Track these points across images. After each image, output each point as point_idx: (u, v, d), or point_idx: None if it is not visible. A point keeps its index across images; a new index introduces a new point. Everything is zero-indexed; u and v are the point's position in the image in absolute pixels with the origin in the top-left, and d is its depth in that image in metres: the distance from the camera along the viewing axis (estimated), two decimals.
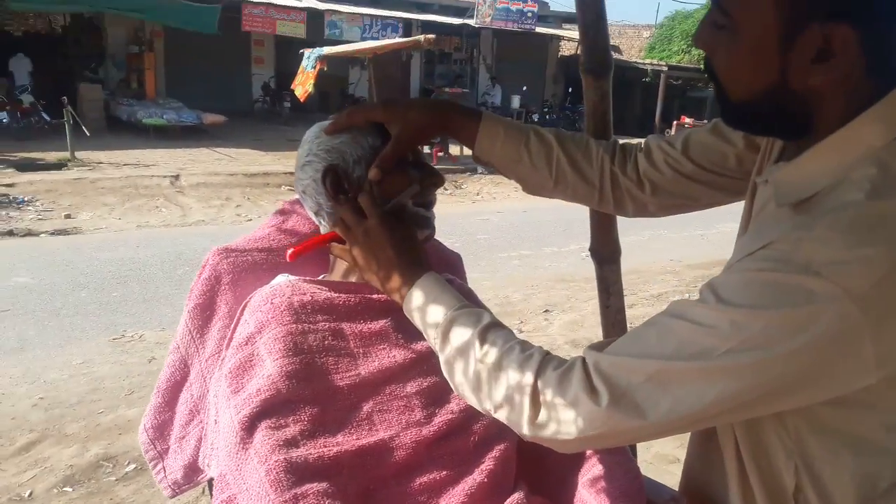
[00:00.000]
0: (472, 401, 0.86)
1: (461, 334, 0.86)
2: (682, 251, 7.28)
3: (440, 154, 12.15)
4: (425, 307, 0.91)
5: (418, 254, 0.99)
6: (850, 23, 0.69)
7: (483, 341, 0.84)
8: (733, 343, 0.68)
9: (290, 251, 1.04)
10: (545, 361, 0.80)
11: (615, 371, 0.74)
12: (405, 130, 1.04)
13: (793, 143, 0.82)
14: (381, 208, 1.01)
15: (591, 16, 1.29)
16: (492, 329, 0.86)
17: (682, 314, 0.74)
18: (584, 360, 0.78)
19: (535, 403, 0.78)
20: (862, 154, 0.72)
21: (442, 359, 0.89)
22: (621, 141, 1.16)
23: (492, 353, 0.83)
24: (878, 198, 0.68)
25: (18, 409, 3.34)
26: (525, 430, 0.80)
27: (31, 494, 2.69)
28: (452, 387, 0.89)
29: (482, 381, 0.83)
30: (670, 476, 2.53)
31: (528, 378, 0.79)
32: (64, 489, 2.73)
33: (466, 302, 0.91)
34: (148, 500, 2.62)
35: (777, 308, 0.67)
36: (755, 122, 0.82)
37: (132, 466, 2.84)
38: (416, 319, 0.93)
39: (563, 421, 0.77)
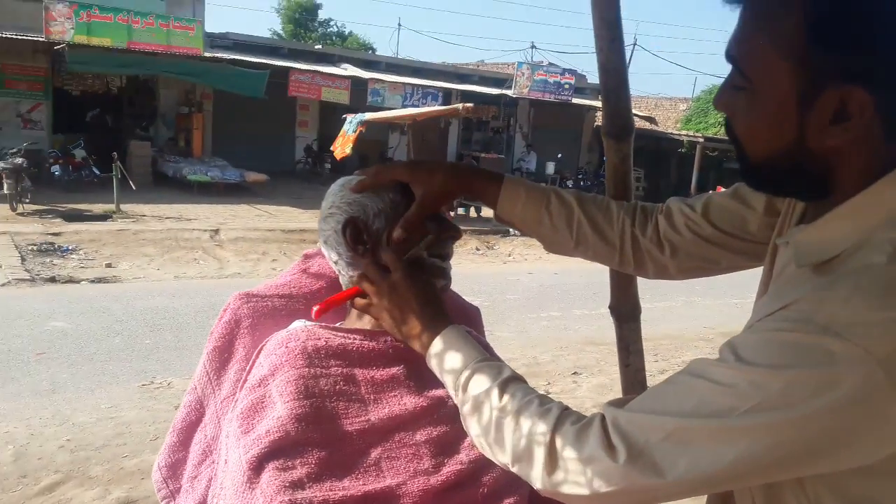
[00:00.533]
0: (489, 453, 0.86)
1: (481, 386, 0.87)
2: (717, 319, 7.14)
3: (473, 216, 12.27)
4: (448, 359, 0.93)
5: (441, 306, 1.01)
6: (866, 87, 0.70)
7: (502, 393, 0.85)
8: (752, 403, 0.67)
9: (315, 309, 1.05)
10: (563, 416, 0.80)
11: (633, 428, 0.73)
12: (429, 193, 1.07)
13: (812, 206, 0.83)
14: (404, 263, 1.03)
15: (613, 82, 1.32)
16: (511, 382, 0.87)
17: (702, 373, 0.73)
18: (602, 416, 0.77)
19: (552, 457, 0.78)
20: (884, 217, 0.72)
21: (462, 410, 0.89)
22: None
23: (510, 406, 0.83)
24: None
25: (46, 449, 3.39)
26: (540, 483, 0.79)
27: None
28: (471, 438, 0.89)
29: (500, 433, 0.83)
30: None
31: (546, 432, 0.78)
32: None
33: (488, 355, 0.92)
34: None
35: (797, 368, 0.66)
36: (775, 183, 0.83)
37: None
38: (438, 370, 0.94)
39: (578, 476, 0.76)
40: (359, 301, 1.07)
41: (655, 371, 4.90)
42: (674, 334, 6.28)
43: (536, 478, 0.79)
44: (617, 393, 4.49)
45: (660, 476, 0.71)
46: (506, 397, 0.84)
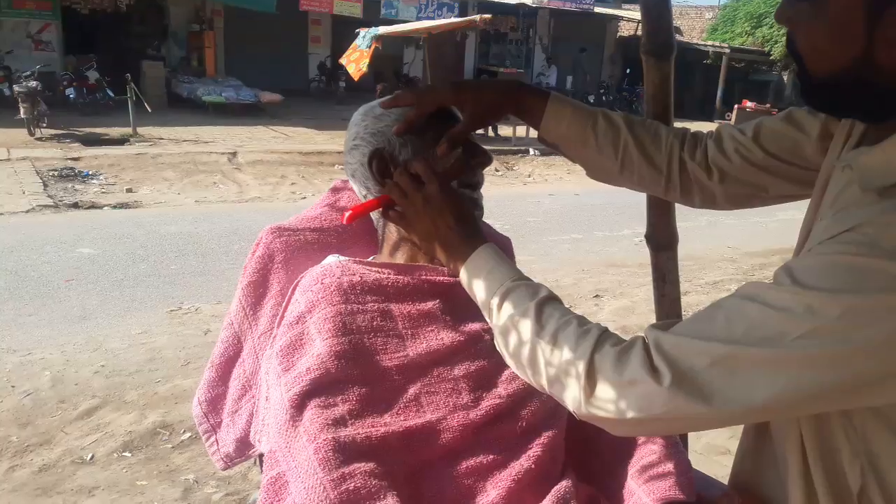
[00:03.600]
0: (526, 374, 0.84)
1: (517, 305, 0.85)
2: (741, 238, 7.08)
3: (491, 135, 12.08)
4: (483, 277, 0.90)
5: (476, 224, 0.99)
6: None
7: (539, 314, 0.82)
8: (806, 328, 0.65)
9: (347, 213, 1.04)
10: (603, 337, 0.78)
11: (678, 352, 0.71)
12: (478, 109, 1.04)
13: (873, 128, 0.79)
14: (441, 176, 1.00)
15: None
16: (549, 302, 0.84)
17: (754, 296, 0.70)
18: (644, 338, 0.75)
19: (591, 380, 0.76)
20: None
21: (496, 329, 0.87)
22: (683, 125, 1.12)
23: (548, 326, 0.81)
24: None
25: (81, 375, 3.49)
26: (579, 406, 0.77)
27: (92, 458, 2.81)
28: (505, 358, 0.87)
29: (536, 354, 0.81)
30: (720, 468, 2.48)
31: (585, 353, 0.76)
32: (123, 454, 2.84)
33: (524, 274, 0.90)
34: (202, 468, 2.71)
35: (858, 293, 0.64)
36: (838, 102, 0.79)
37: (187, 435, 2.94)
38: (471, 288, 0.92)
39: (619, 399, 0.73)
40: (393, 213, 1.04)
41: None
42: (697, 255, 6.24)
43: (573, 400, 0.78)
44: (639, 315, 4.51)
45: (706, 402, 0.69)
46: (543, 318, 0.82)
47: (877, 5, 0.69)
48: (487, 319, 0.90)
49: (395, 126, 1.07)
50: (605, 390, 0.75)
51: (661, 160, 1.07)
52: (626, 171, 1.07)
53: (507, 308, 0.85)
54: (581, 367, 0.76)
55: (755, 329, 0.68)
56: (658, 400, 0.71)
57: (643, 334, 0.76)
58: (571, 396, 0.78)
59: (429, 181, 0.98)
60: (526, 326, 0.82)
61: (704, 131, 1.09)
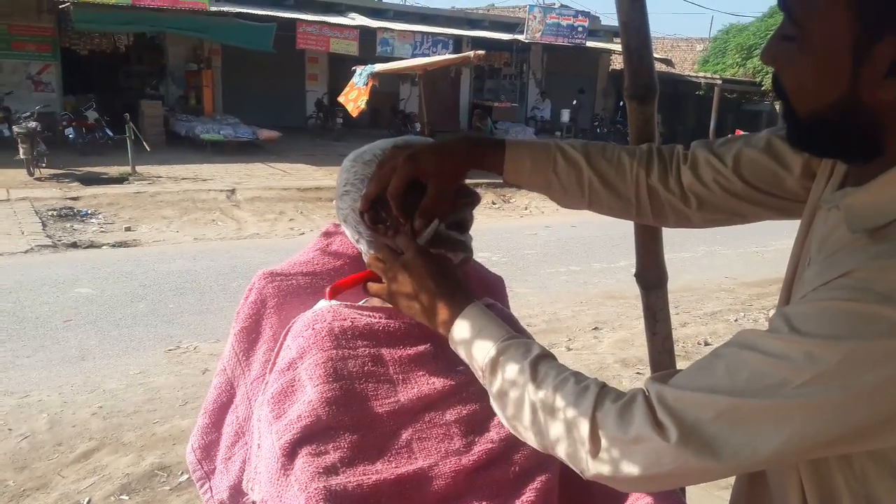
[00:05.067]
0: (526, 436, 0.82)
1: (511, 367, 0.83)
2: (738, 269, 7.10)
3: None
4: (471, 340, 0.88)
5: (459, 283, 0.96)
6: None
7: (535, 373, 0.81)
8: (807, 376, 0.64)
9: (327, 289, 1.02)
10: (602, 393, 0.76)
11: (682, 406, 0.70)
12: (442, 178, 1.01)
13: (856, 168, 0.79)
14: (416, 243, 0.99)
15: (635, 41, 1.27)
16: (543, 360, 0.83)
17: (752, 344, 0.69)
18: (644, 392, 0.74)
19: (595, 439, 0.74)
20: None
21: (492, 393, 0.85)
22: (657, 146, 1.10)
23: (545, 386, 0.79)
24: None
25: (79, 416, 3.47)
26: (584, 466, 0.76)
27: (89, 501, 2.78)
28: (503, 422, 0.85)
29: (535, 415, 0.79)
30: (720, 502, 2.45)
31: (587, 412, 0.75)
32: (121, 497, 2.82)
33: (513, 332, 0.88)
34: None
35: (855, 339, 0.63)
36: (822, 141, 0.78)
37: (185, 476, 2.91)
38: (462, 352, 0.90)
39: (626, 457, 0.72)
40: (372, 286, 1.01)
41: (677, 324, 4.89)
42: (695, 286, 6.25)
43: (578, 460, 0.76)
44: (637, 348, 4.49)
45: (714, 456, 0.68)
46: (539, 378, 0.80)
47: (862, 43, 0.69)
48: (481, 382, 0.88)
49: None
50: (610, 449, 0.73)
51: (628, 190, 1.05)
52: (595, 204, 1.06)
53: (501, 370, 0.84)
54: (584, 426, 0.75)
55: (756, 379, 0.67)
56: (667, 456, 0.70)
57: (643, 387, 0.75)
58: (576, 457, 0.76)
59: (406, 249, 0.97)
60: (521, 388, 0.81)
61: (672, 151, 1.06)
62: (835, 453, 0.73)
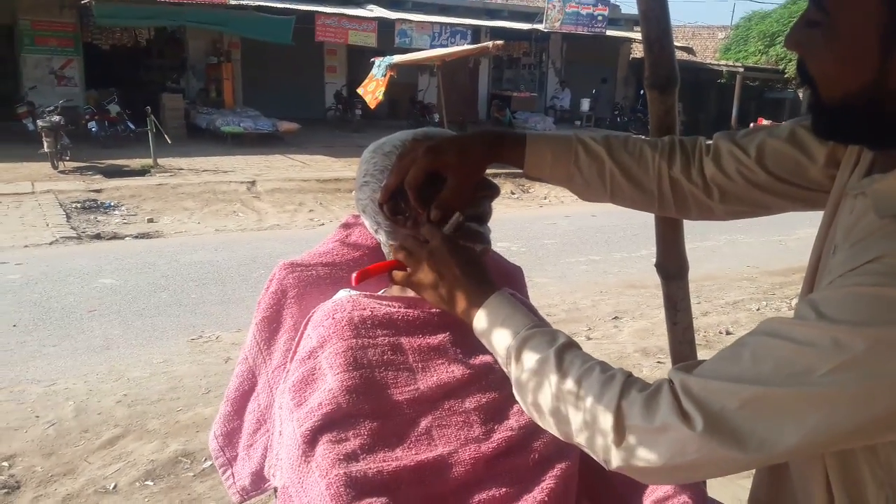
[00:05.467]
0: (548, 424, 0.82)
1: (535, 355, 0.82)
2: (760, 257, 7.02)
3: None
4: (496, 327, 0.88)
5: (484, 271, 0.96)
6: None
7: (560, 362, 0.80)
8: (834, 363, 0.63)
9: (354, 275, 1.02)
10: (628, 383, 0.76)
11: (707, 395, 0.69)
12: (462, 171, 1.01)
13: (882, 155, 0.78)
14: (442, 232, 0.99)
15: (656, 31, 1.26)
16: (568, 349, 0.82)
17: (778, 332, 0.69)
18: (670, 382, 0.73)
19: (620, 428, 0.73)
20: None
21: (514, 380, 0.85)
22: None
23: (570, 375, 0.78)
24: None
25: (104, 404, 3.53)
26: (609, 456, 0.75)
27: (115, 487, 2.84)
28: (525, 410, 0.85)
29: (560, 404, 0.79)
30: (742, 490, 2.44)
31: (612, 401, 0.74)
32: (146, 483, 2.87)
33: (538, 321, 0.88)
34: (223, 497, 2.72)
35: (884, 325, 0.63)
36: (849, 129, 0.77)
37: (208, 463, 2.96)
38: (486, 339, 0.90)
39: (651, 447, 0.72)
40: (397, 273, 1.01)
41: (699, 313, 4.86)
42: (717, 274, 6.20)
43: (603, 449, 0.75)
44: (658, 337, 4.46)
45: (740, 446, 0.67)
46: (564, 366, 0.79)
47: (891, 28, 0.68)
48: (505, 370, 0.88)
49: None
50: (635, 438, 0.73)
51: (650, 183, 1.05)
52: (617, 197, 1.06)
53: (525, 358, 0.83)
54: (609, 415, 0.74)
55: (782, 367, 0.66)
56: (692, 445, 0.69)
57: (669, 377, 0.75)
58: (600, 446, 0.76)
59: (432, 237, 0.97)
60: (547, 376, 0.80)
61: (695, 142, 1.06)
62: (861, 444, 0.72)
